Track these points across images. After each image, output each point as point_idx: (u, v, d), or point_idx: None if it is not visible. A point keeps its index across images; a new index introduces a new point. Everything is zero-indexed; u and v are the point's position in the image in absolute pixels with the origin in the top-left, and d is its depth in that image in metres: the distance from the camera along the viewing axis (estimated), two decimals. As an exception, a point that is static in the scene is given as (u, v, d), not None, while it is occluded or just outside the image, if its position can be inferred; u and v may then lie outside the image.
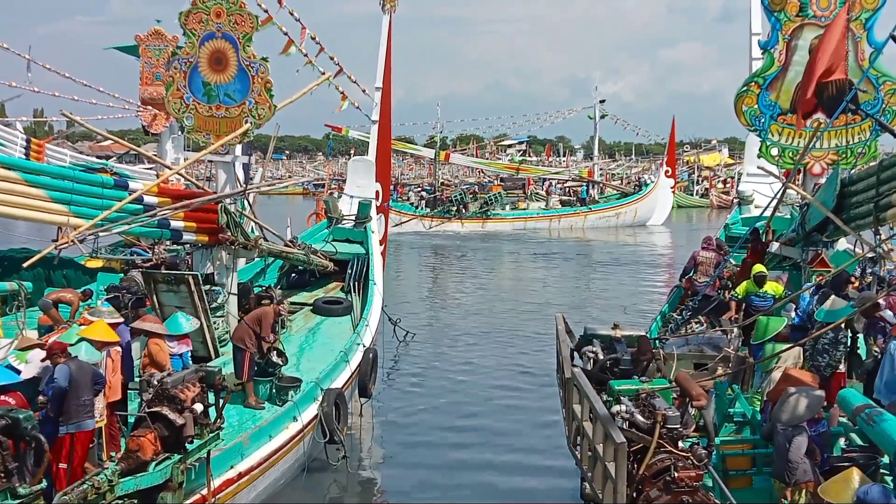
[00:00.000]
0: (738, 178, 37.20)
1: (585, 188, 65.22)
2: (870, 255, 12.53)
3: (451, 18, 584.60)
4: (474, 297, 31.43)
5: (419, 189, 65.50)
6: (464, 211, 56.11)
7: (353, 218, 20.74)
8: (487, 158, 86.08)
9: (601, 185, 69.50)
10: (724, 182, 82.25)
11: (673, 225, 61.44)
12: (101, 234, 13.48)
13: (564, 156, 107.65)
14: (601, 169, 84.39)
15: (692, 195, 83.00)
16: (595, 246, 50.06)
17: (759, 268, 13.59)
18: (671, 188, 63.53)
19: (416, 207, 57.27)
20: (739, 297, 13.56)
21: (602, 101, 70.57)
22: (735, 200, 24.14)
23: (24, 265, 13.63)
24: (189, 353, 12.43)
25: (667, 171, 63.03)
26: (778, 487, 8.43)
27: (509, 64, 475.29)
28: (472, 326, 25.22)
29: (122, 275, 16.63)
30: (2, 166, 12.07)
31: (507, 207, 59.56)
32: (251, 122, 14.93)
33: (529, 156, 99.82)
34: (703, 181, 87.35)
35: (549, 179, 69.43)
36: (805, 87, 12.80)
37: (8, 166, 12.23)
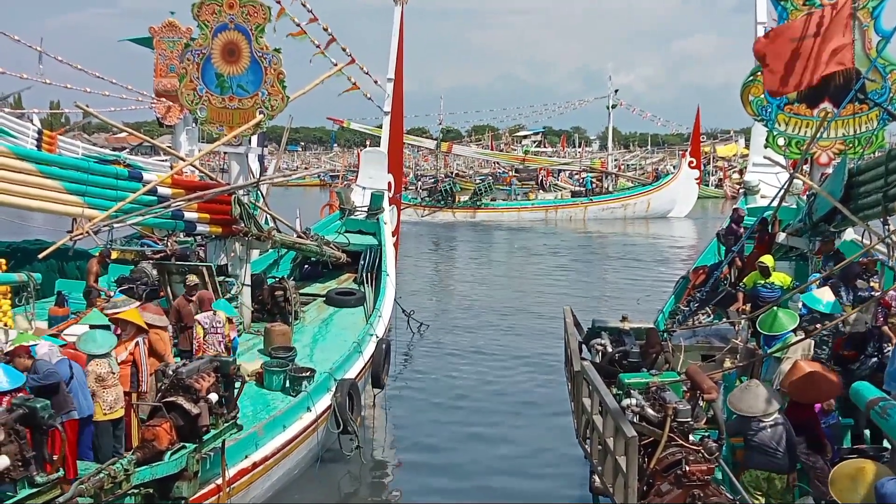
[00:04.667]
0: (749, 168, 36.61)
1: (589, 179, 64.21)
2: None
3: (462, 10, 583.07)
4: (480, 288, 31.55)
5: (431, 178, 65.78)
6: (452, 201, 56.66)
7: (366, 209, 20.78)
8: (503, 149, 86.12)
9: (615, 175, 68.92)
10: (740, 172, 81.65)
11: (693, 216, 59.54)
12: (115, 225, 13.59)
13: (580, 146, 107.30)
14: (616, 160, 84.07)
15: (707, 186, 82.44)
16: (594, 238, 49.45)
17: (765, 258, 13.55)
18: (696, 179, 61.23)
19: (418, 197, 58.00)
20: (747, 288, 13.50)
21: (616, 91, 70.39)
22: (741, 191, 23.92)
23: (40, 256, 13.76)
24: (238, 339, 12.82)
25: (691, 163, 60.84)
26: (781, 479, 8.37)
27: (522, 55, 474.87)
28: (481, 318, 25.32)
29: (132, 266, 16.75)
30: (17, 157, 12.16)
31: (519, 197, 59.68)
32: (264, 114, 15.01)
33: (545, 146, 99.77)
34: (717, 172, 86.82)
35: (564, 170, 69.27)
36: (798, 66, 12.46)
37: (23, 157, 12.33)
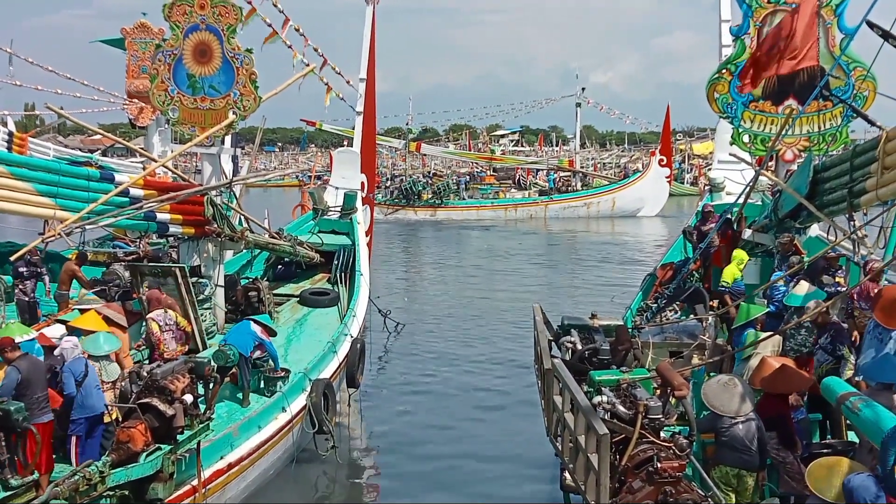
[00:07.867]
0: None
1: (552, 177, 64.03)
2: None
3: (441, 8, 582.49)
4: (449, 286, 31.81)
5: (399, 178, 66.04)
6: (415, 200, 57.32)
7: (339, 209, 20.79)
8: (480, 149, 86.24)
9: (583, 173, 68.91)
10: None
11: (665, 214, 58.74)
12: (87, 226, 13.53)
13: (557, 145, 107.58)
14: (592, 158, 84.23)
15: (682, 183, 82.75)
16: (555, 236, 49.56)
17: (742, 254, 13.68)
18: (667, 178, 59.91)
19: (388, 196, 58.45)
20: (729, 284, 13.54)
21: (583, 90, 70.66)
22: (706, 187, 24.04)
23: (11, 258, 13.69)
24: (272, 345, 13.08)
25: (661, 161, 59.41)
26: (751, 476, 8.49)
27: (502, 54, 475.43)
28: (453, 315, 25.57)
29: (104, 268, 16.67)
30: (-13, 160, 12.11)
31: (491, 195, 60.28)
32: (236, 114, 15.00)
33: (522, 145, 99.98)
34: (693, 169, 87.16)
35: (541, 169, 69.44)
36: (765, 62, 12.61)
37: (-7, 160, 12.27)
